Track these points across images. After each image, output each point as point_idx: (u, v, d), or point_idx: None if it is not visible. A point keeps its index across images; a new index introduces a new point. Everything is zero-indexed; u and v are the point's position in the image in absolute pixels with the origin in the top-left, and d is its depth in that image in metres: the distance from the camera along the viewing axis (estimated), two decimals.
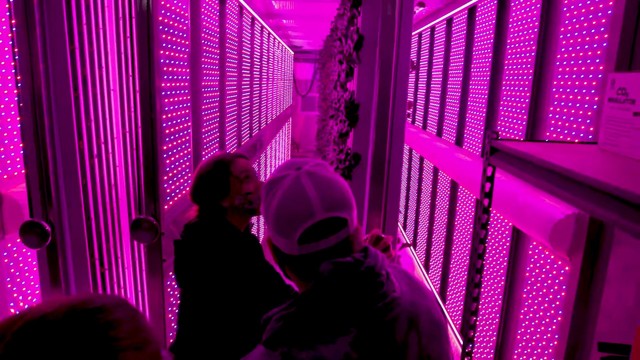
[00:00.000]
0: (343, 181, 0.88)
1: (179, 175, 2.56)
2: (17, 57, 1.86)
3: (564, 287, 2.03)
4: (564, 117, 2.11)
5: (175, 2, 2.41)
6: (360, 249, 0.87)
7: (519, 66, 2.65)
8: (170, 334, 2.50)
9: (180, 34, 2.52)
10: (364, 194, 2.40)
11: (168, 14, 2.31)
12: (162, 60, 2.23)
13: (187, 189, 2.83)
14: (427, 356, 0.87)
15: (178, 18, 2.46)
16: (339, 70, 3.20)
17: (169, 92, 2.36)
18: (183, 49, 2.58)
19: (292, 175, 0.85)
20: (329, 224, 0.82)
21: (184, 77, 2.61)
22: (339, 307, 0.81)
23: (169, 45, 2.36)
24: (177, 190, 2.53)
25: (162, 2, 2.22)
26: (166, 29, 2.30)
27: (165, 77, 2.29)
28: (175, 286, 2.55)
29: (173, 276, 2.61)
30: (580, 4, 2.03)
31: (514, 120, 2.66)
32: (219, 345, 1.52)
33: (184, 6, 2.56)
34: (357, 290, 0.82)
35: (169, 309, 2.46)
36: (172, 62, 2.41)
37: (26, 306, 2.19)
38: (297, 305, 0.83)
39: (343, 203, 0.84)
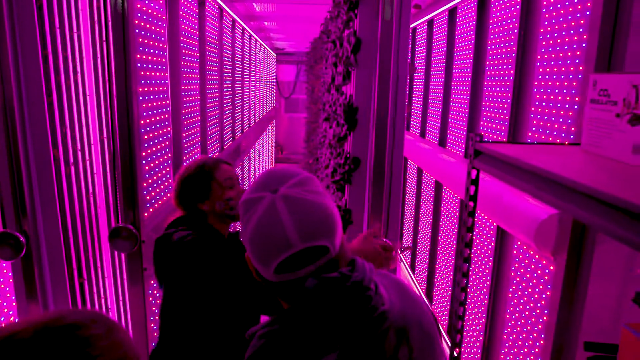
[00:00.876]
0: (325, 202, 0.81)
1: (159, 182, 2.51)
2: None
3: (549, 286, 2.04)
4: (545, 118, 2.12)
5: (151, 4, 2.36)
6: (347, 263, 0.82)
7: (500, 67, 2.66)
8: (153, 344, 2.45)
9: (158, 37, 2.47)
10: (364, 198, 2.37)
11: (144, 17, 2.26)
12: (139, 65, 2.17)
13: (169, 195, 2.78)
14: None
15: (155, 21, 2.41)
16: (332, 73, 3.16)
17: (147, 97, 2.31)
18: (161, 52, 2.52)
19: (268, 198, 0.79)
20: (308, 253, 0.77)
21: (162, 81, 2.56)
22: (325, 324, 0.78)
23: (146, 49, 2.30)
24: (158, 197, 2.47)
25: (138, 5, 2.16)
26: (143, 32, 2.25)
27: (142, 81, 2.24)
28: (157, 294, 2.50)
29: (154, 284, 2.55)
30: (559, 5, 2.05)
31: (496, 121, 2.67)
32: (200, 350, 1.48)
33: (161, 9, 2.51)
34: (343, 306, 0.77)
35: (151, 318, 2.41)
36: (150, 65, 2.35)
37: (2, 319, 2.11)
38: (280, 322, 0.80)
39: (324, 230, 0.78)
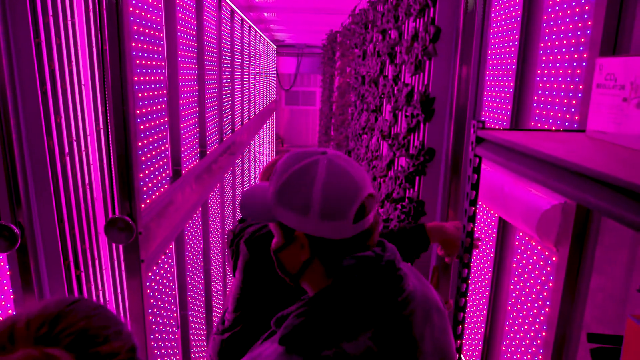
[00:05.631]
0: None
1: (156, 173, 2.48)
2: None
3: (551, 277, 2.01)
4: (549, 106, 2.09)
5: None
6: (377, 243, 0.88)
7: (501, 56, 2.61)
8: (151, 336, 2.43)
9: (154, 25, 2.43)
10: (437, 189, 2.31)
11: (140, 4, 2.22)
12: (134, 53, 2.13)
13: (167, 186, 2.74)
14: (440, 348, 0.89)
15: (151, 9, 2.37)
16: (381, 63, 3.09)
17: (143, 86, 2.27)
18: (157, 41, 2.48)
19: (323, 159, 0.84)
20: (369, 200, 0.85)
21: (159, 71, 2.52)
22: (362, 302, 0.81)
23: (142, 37, 2.26)
24: (155, 189, 2.45)
25: None
26: (138, 20, 2.21)
27: (138, 70, 2.20)
28: (155, 286, 2.48)
29: (152, 276, 2.52)
30: None
31: (498, 110, 2.63)
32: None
33: None
34: (379, 285, 0.82)
35: (149, 310, 2.39)
36: (146, 54, 2.31)
37: (0, 312, 2.10)
38: (319, 301, 0.82)
39: (370, 179, 0.87)
